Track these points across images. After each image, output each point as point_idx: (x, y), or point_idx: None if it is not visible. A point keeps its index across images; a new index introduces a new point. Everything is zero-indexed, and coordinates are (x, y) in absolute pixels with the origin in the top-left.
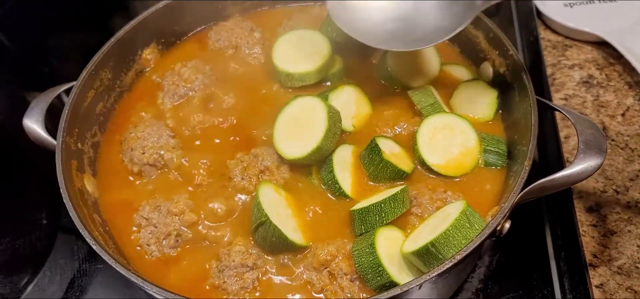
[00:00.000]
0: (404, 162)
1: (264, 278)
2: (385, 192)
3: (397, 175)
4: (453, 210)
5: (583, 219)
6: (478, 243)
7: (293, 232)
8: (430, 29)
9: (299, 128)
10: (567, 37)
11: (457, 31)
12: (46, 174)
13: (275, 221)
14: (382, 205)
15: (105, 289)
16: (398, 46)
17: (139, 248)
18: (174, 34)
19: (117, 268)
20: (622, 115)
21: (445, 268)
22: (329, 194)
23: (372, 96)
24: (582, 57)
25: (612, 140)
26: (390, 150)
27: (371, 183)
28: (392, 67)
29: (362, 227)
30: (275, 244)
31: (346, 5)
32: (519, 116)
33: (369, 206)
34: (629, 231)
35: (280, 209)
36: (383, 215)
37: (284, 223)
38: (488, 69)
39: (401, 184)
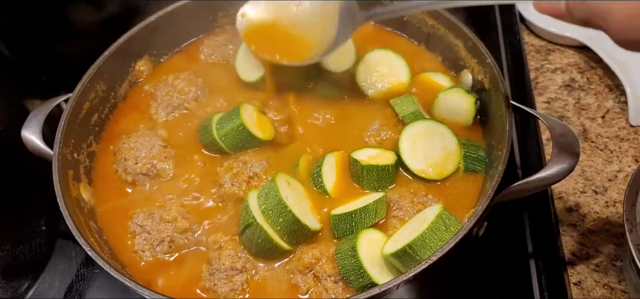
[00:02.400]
0: (384, 159)
1: (252, 280)
2: (359, 202)
3: (385, 172)
4: (430, 214)
5: (563, 219)
6: (453, 244)
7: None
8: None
9: None
10: (549, 42)
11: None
12: (45, 182)
13: (262, 223)
14: (353, 215)
15: (103, 293)
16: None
17: (133, 254)
18: (167, 45)
19: (111, 273)
20: (602, 117)
21: (421, 269)
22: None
23: (358, 107)
24: (565, 62)
25: (592, 142)
26: (368, 156)
27: (367, 190)
28: None
29: (335, 232)
30: (261, 245)
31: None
32: (496, 121)
33: (342, 214)
34: (607, 230)
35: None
36: (353, 224)
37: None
38: (467, 77)
39: (379, 194)
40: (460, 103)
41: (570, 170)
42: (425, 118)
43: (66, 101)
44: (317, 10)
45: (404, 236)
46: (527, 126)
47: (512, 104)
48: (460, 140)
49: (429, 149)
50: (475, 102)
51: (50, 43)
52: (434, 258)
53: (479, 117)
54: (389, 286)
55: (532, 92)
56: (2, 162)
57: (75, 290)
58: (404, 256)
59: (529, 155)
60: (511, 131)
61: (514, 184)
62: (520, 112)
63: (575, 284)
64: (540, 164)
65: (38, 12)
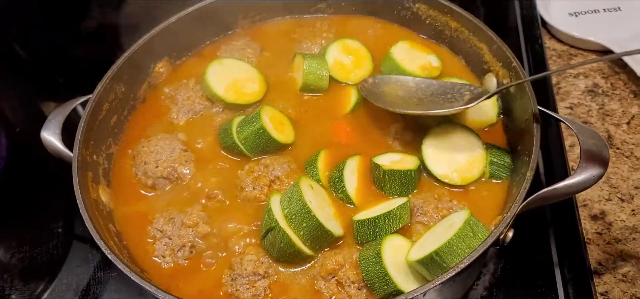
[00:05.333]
0: (407, 163)
1: (275, 286)
2: (383, 207)
3: (407, 177)
4: (457, 219)
5: (588, 227)
6: (481, 251)
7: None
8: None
9: None
10: (572, 46)
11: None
12: (62, 184)
13: (285, 227)
14: (377, 220)
15: (119, 296)
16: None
17: (155, 259)
18: (186, 47)
19: (131, 276)
20: (627, 123)
21: (448, 277)
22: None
23: (380, 112)
24: (587, 66)
25: (617, 148)
26: (390, 160)
27: (390, 196)
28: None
29: (358, 238)
30: (283, 250)
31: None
32: (522, 126)
33: (364, 219)
34: (634, 239)
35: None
36: (377, 230)
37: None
38: (492, 80)
39: (403, 199)
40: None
41: (599, 177)
42: (450, 121)
43: (83, 103)
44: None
45: (429, 242)
46: (550, 131)
47: (539, 109)
48: (486, 145)
49: (454, 153)
50: (497, 98)
51: (66, 47)
52: (462, 266)
53: (502, 116)
54: (415, 294)
55: (554, 98)
56: (20, 164)
57: (92, 293)
58: (430, 263)
59: (553, 162)
60: (538, 136)
61: (541, 191)
62: (545, 118)
63: (601, 294)
64: (565, 171)
65: (55, 15)
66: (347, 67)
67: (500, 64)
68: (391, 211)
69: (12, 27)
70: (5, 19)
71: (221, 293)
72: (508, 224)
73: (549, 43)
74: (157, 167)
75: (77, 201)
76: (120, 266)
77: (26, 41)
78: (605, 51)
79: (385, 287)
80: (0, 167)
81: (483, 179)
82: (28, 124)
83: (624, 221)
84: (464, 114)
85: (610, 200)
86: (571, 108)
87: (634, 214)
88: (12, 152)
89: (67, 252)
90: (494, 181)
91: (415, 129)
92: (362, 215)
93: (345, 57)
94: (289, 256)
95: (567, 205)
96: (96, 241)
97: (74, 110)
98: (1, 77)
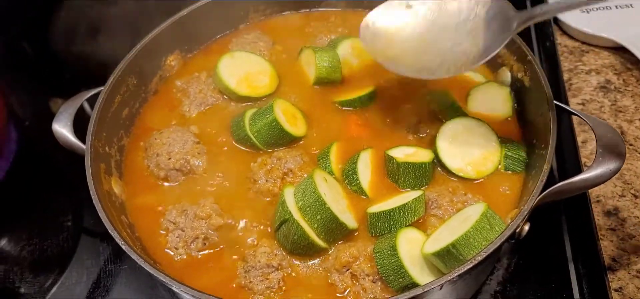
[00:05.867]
0: (421, 156)
1: (289, 278)
2: (398, 200)
3: (422, 170)
4: (473, 212)
5: (601, 223)
6: (498, 244)
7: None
8: (460, 57)
9: None
10: (583, 43)
11: (489, 57)
12: (71, 178)
13: (299, 219)
14: (392, 213)
15: (130, 289)
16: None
17: (167, 251)
18: (197, 40)
19: (146, 267)
20: None
21: (465, 269)
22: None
23: (394, 105)
24: (599, 63)
25: (630, 144)
26: (405, 153)
27: (404, 188)
28: None
29: (372, 230)
30: (297, 242)
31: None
32: (537, 120)
33: (379, 212)
34: None
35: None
36: (392, 223)
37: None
38: (506, 75)
39: (418, 192)
40: (495, 95)
41: (616, 171)
42: (465, 115)
43: (93, 97)
44: (455, 18)
45: (444, 235)
46: (563, 127)
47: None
48: (500, 139)
49: (468, 147)
50: (510, 92)
51: (72, 42)
52: (479, 258)
53: (515, 106)
54: (432, 286)
55: (566, 94)
56: (30, 157)
57: (102, 286)
58: (446, 255)
59: (566, 158)
60: (555, 129)
61: (558, 184)
62: (558, 113)
63: (616, 290)
64: (578, 167)
65: (59, 13)
66: (353, 69)
67: (515, 58)
68: (406, 204)
69: (12, 26)
70: (7, 17)
71: (234, 285)
72: (525, 217)
73: (560, 40)
74: (169, 159)
75: (90, 192)
76: (134, 256)
77: (32, 37)
78: (618, 47)
79: (401, 280)
80: (11, 160)
81: (500, 169)
82: (36, 119)
83: (638, 217)
84: (475, 108)
85: (624, 196)
86: (583, 104)
87: None
88: (22, 146)
89: (76, 245)
90: (508, 175)
91: (429, 122)
92: (376, 208)
93: (354, 59)
94: (302, 249)
95: (580, 201)
96: (110, 231)
97: (82, 104)
98: (9, 73)
